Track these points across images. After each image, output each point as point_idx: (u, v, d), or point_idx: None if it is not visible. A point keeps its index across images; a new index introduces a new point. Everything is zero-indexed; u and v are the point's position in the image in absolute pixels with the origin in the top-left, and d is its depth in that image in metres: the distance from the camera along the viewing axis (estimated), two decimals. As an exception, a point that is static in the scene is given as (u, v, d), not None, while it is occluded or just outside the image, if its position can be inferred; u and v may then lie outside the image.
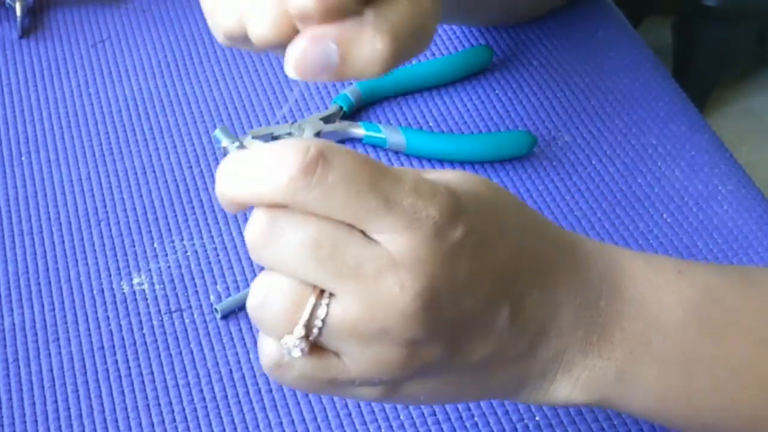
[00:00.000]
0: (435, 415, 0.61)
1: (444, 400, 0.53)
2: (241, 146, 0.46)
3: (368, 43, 0.48)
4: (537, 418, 0.61)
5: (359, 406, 0.62)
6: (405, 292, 0.45)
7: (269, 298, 0.46)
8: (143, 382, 0.64)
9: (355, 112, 0.83)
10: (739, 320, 0.53)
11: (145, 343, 0.66)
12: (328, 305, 0.45)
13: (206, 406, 0.62)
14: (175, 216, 0.75)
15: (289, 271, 0.45)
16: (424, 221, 0.45)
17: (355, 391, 0.49)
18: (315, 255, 0.45)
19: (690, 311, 0.53)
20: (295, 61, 0.48)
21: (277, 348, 0.46)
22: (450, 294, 0.46)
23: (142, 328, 0.67)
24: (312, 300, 0.45)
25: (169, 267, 0.71)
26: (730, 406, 0.54)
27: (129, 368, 0.65)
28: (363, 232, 0.45)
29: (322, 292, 0.45)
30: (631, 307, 0.52)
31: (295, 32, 0.48)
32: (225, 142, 0.47)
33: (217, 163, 0.79)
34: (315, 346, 0.46)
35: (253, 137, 0.80)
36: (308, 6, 0.47)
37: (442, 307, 0.46)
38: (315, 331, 0.45)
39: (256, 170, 0.45)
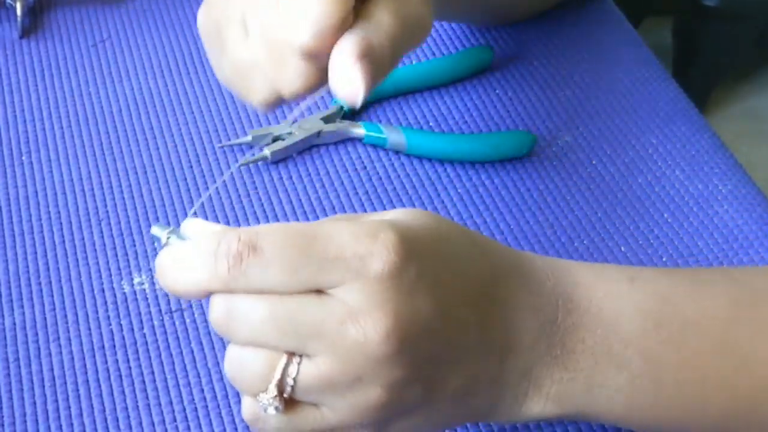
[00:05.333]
0: (435, 414, 0.61)
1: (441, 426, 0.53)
2: (173, 237, 0.50)
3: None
4: (537, 418, 0.61)
5: (360, 406, 0.62)
6: (370, 338, 0.46)
7: (243, 365, 0.48)
8: (143, 382, 0.64)
9: (356, 111, 0.83)
10: (696, 324, 0.54)
11: (146, 343, 0.66)
12: (299, 364, 0.47)
13: (206, 406, 0.62)
14: (176, 216, 0.75)
15: (256, 344, 0.47)
16: (373, 264, 0.46)
17: None
18: (275, 327, 0.47)
19: (648, 318, 0.53)
20: (354, 92, 0.53)
21: (254, 404, 0.49)
22: (418, 327, 0.47)
23: (142, 328, 0.67)
24: (283, 361, 0.47)
25: (169, 267, 0.71)
26: (698, 410, 0.54)
27: (129, 368, 0.65)
28: (320, 290, 0.47)
29: (292, 353, 0.47)
30: (588, 318, 0.53)
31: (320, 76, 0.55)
32: (161, 234, 0.50)
33: (218, 164, 0.79)
34: (292, 401, 0.48)
35: (253, 137, 0.80)
36: (306, 41, 0.52)
37: (414, 342, 0.47)
38: (288, 389, 0.48)
39: (190, 266, 0.48)
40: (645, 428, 0.56)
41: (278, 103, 0.57)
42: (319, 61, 0.54)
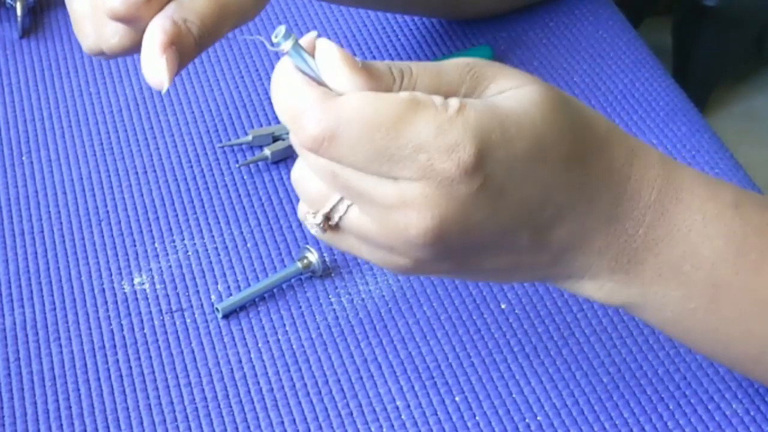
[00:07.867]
0: (436, 414, 0.61)
1: (469, 280, 0.58)
2: (294, 50, 0.49)
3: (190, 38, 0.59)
4: (539, 418, 0.61)
5: (360, 406, 0.62)
6: (411, 227, 0.49)
7: (305, 182, 0.52)
8: (143, 382, 0.64)
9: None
10: None
11: (146, 342, 0.66)
12: (348, 207, 0.51)
13: (207, 406, 0.62)
14: (176, 215, 0.75)
15: (322, 180, 0.51)
16: (440, 172, 0.48)
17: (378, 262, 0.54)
18: (334, 182, 0.50)
19: (732, 245, 0.53)
20: (159, 81, 0.58)
21: (303, 215, 0.53)
22: (460, 232, 0.50)
23: (142, 328, 0.67)
24: (335, 199, 0.51)
25: (170, 266, 0.71)
26: (747, 335, 0.55)
27: (129, 368, 0.65)
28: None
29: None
30: (673, 236, 0.53)
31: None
32: (285, 44, 0.49)
33: (218, 164, 0.79)
34: (336, 227, 0.52)
35: (253, 137, 0.80)
36: (116, 6, 0.59)
37: (450, 242, 0.50)
38: (334, 221, 0.52)
39: (286, 106, 0.50)
40: (686, 341, 0.57)
41: (103, 55, 0.64)
42: (136, 26, 0.59)
